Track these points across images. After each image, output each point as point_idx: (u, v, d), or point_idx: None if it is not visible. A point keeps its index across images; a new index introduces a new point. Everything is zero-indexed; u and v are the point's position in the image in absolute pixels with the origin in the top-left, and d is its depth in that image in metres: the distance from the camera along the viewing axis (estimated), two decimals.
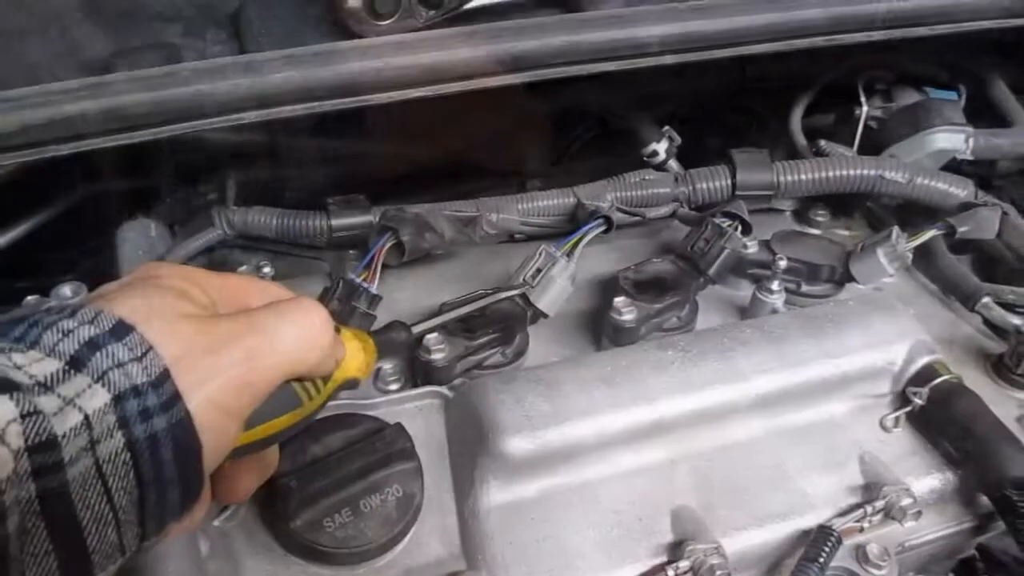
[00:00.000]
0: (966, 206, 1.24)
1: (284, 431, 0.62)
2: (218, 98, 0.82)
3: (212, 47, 0.97)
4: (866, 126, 1.41)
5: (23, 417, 0.44)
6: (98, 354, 0.48)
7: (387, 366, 1.05)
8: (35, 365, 0.47)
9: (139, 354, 0.49)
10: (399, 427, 0.89)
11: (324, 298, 1.01)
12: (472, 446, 0.91)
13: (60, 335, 0.49)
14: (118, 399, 0.48)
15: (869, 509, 0.93)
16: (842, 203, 1.39)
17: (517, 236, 1.28)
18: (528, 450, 0.89)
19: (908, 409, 1.02)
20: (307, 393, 0.63)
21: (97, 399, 0.47)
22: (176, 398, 0.50)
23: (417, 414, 0.98)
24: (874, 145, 1.39)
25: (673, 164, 1.36)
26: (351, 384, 0.73)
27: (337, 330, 0.69)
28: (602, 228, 1.12)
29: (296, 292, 0.65)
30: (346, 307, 0.99)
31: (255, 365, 0.55)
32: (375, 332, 0.85)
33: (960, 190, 1.25)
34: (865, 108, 1.39)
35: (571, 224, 1.24)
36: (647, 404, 0.94)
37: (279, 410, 0.60)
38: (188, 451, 0.51)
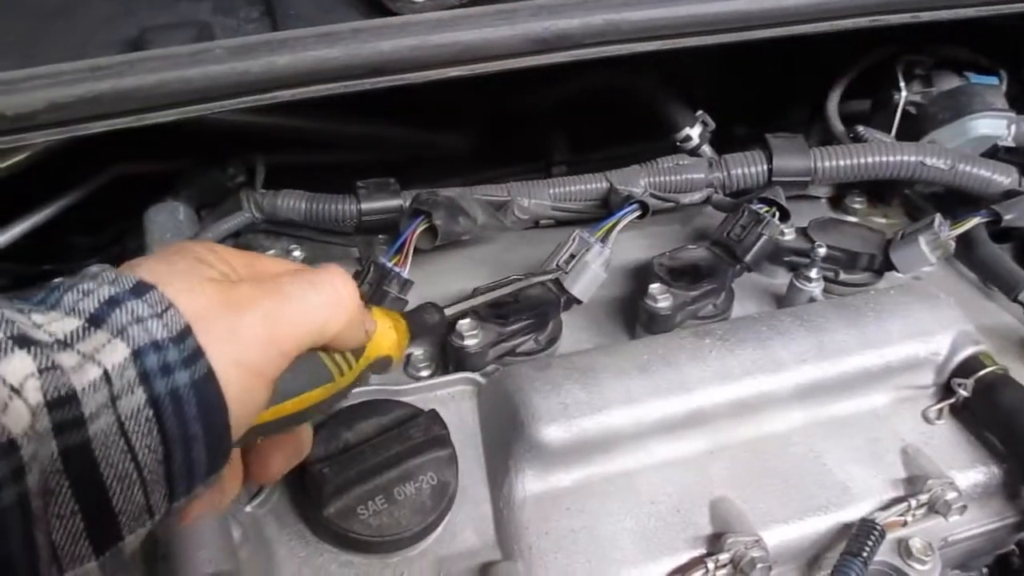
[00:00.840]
0: (1010, 194, 1.20)
1: (316, 406, 0.61)
2: (251, 77, 0.80)
3: (245, 25, 0.94)
4: (904, 112, 1.37)
5: (41, 372, 0.43)
6: (118, 311, 0.48)
7: (418, 352, 1.04)
8: (55, 324, 0.46)
9: (159, 311, 0.49)
10: (433, 414, 0.87)
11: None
12: (506, 434, 0.89)
13: (80, 295, 0.48)
14: (137, 354, 0.47)
15: (913, 503, 0.90)
16: (880, 190, 1.36)
17: (546, 222, 1.26)
18: (564, 439, 0.88)
19: (952, 401, 1.00)
20: (338, 368, 0.62)
21: (117, 354, 0.46)
22: (199, 354, 0.49)
23: (450, 401, 0.96)
24: (913, 131, 1.36)
25: (707, 149, 1.33)
26: (383, 364, 0.72)
27: (368, 308, 0.68)
28: (637, 213, 1.09)
29: None
30: (377, 291, 0.98)
31: (279, 324, 0.54)
32: (407, 313, 0.83)
33: (1004, 177, 1.22)
34: (904, 93, 1.36)
35: (603, 210, 1.21)
36: (684, 393, 0.92)
37: (310, 383, 0.59)
38: (213, 408, 0.49)
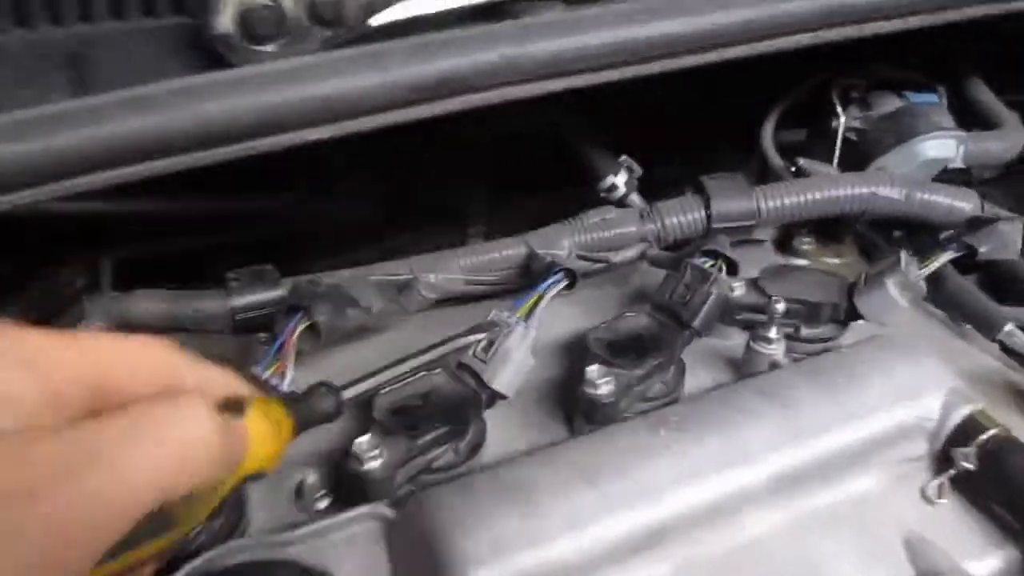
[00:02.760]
0: (974, 221, 1.07)
1: (153, 555, 0.51)
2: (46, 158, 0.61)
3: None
4: (844, 139, 1.25)
5: None
6: None
7: (312, 479, 0.84)
8: None
9: None
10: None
11: None
12: None
13: None
14: None
15: None
16: (828, 228, 1.23)
17: (463, 296, 1.08)
18: None
19: (951, 473, 0.84)
20: (186, 507, 0.51)
21: None
22: None
23: (351, 547, 0.76)
24: (855, 160, 1.23)
25: (635, 198, 1.18)
26: (253, 479, 0.58)
27: (238, 406, 0.55)
28: (563, 284, 0.92)
29: None
30: None
31: (92, 511, 0.41)
32: (292, 401, 0.65)
33: (965, 203, 1.09)
34: (843, 119, 1.23)
35: (525, 278, 1.04)
36: (643, 505, 0.75)
37: (143, 535, 0.48)
38: None
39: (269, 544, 0.74)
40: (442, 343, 0.83)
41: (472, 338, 0.85)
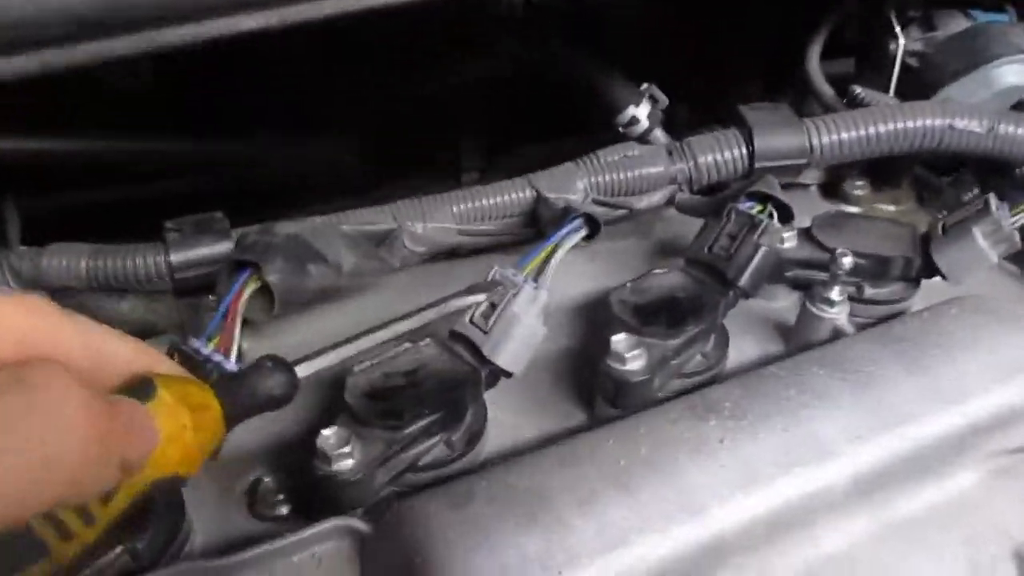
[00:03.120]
0: None
1: None
2: None
3: None
4: (903, 65, 1.06)
5: None
6: None
7: (267, 481, 0.67)
8: None
9: None
10: None
11: None
12: None
13: None
14: None
15: None
16: (883, 170, 1.05)
17: (458, 249, 0.90)
18: None
19: None
20: (61, 532, 0.42)
21: None
22: None
23: (317, 569, 0.59)
24: (915, 90, 1.05)
25: (660, 134, 0.99)
26: (167, 487, 0.46)
27: (142, 389, 0.44)
28: (583, 234, 0.74)
29: None
30: None
31: None
32: (226, 384, 0.49)
33: None
34: (902, 41, 1.04)
35: (532, 227, 0.87)
36: (693, 517, 0.58)
37: (5, 568, 0.41)
38: None
39: (210, 571, 0.57)
40: (430, 307, 0.66)
41: (468, 300, 0.67)
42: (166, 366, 0.49)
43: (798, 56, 1.13)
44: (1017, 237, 0.80)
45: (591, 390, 0.73)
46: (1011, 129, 0.91)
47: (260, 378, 0.53)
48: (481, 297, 0.68)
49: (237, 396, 0.51)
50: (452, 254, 0.90)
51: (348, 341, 0.61)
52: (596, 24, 1.22)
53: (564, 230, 0.74)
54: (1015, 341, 0.71)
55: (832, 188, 1.05)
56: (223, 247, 0.76)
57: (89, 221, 0.85)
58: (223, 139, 1.07)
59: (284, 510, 0.66)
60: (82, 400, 0.37)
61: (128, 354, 0.46)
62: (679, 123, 1.17)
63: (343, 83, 1.19)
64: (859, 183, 1.03)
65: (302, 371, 0.56)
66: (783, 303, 0.87)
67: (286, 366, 0.54)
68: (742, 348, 0.81)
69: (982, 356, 0.69)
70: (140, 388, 0.44)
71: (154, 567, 0.57)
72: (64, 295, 0.80)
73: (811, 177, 1.04)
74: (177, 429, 0.45)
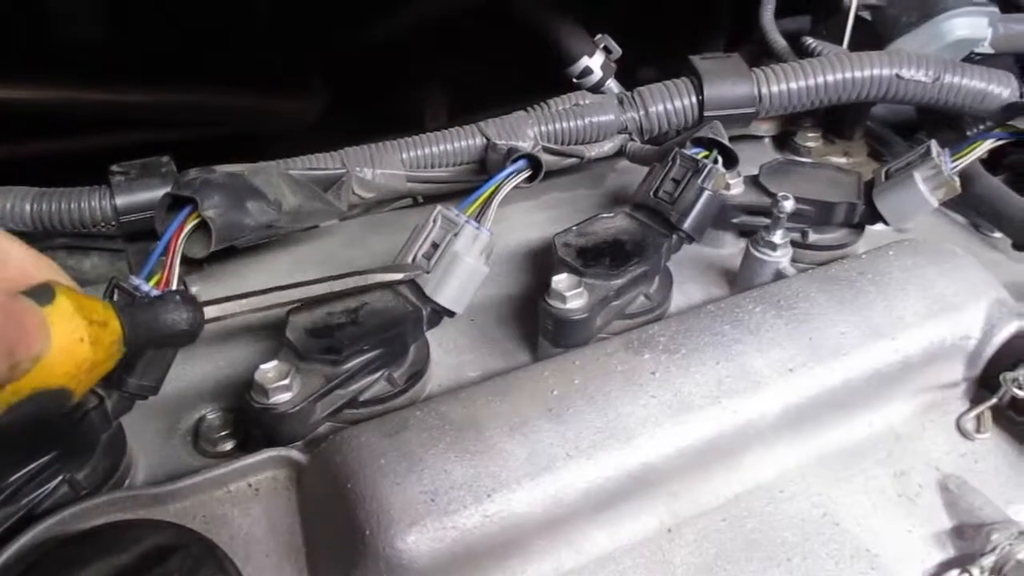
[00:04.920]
0: (1013, 107, 0.91)
1: None
2: None
3: None
4: (857, 18, 1.06)
5: None
6: None
7: (212, 416, 0.68)
8: None
9: None
10: (201, 543, 0.51)
11: None
12: (344, 545, 0.55)
13: None
14: None
15: (975, 572, 0.59)
16: (836, 122, 1.06)
17: (410, 196, 0.91)
18: (435, 549, 0.53)
19: (994, 402, 0.69)
20: None
21: None
22: None
23: (253, 498, 0.60)
24: (868, 43, 1.05)
25: (613, 84, 1.00)
26: (52, 400, 0.44)
27: (48, 293, 0.43)
28: (525, 174, 0.75)
29: None
30: None
31: None
32: (130, 310, 0.49)
33: (1002, 88, 0.92)
34: None
35: (483, 175, 0.87)
36: (622, 444, 0.59)
37: None
38: None
39: (145, 499, 0.58)
40: (351, 275, 0.65)
41: (388, 277, 0.67)
42: (65, 280, 0.47)
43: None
44: (957, 181, 0.81)
45: (533, 328, 0.74)
46: (956, 79, 0.92)
47: (164, 309, 0.52)
48: (398, 276, 0.68)
49: (139, 321, 0.50)
50: (407, 203, 0.91)
51: (264, 292, 0.61)
52: None
53: (507, 171, 0.74)
54: (947, 280, 0.72)
55: (785, 140, 1.06)
56: (167, 190, 0.76)
57: (40, 170, 0.85)
58: (179, 91, 1.06)
59: (228, 446, 0.67)
60: None
61: (26, 258, 0.45)
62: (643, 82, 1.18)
63: (304, 31, 1.18)
64: (811, 135, 1.04)
65: (211, 312, 0.56)
66: (730, 250, 0.88)
67: (193, 303, 0.54)
68: (688, 292, 0.83)
69: (914, 294, 0.71)
70: (38, 292, 0.43)
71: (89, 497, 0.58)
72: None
73: (764, 129, 1.05)
74: (72, 341, 0.44)
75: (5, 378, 0.39)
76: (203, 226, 0.65)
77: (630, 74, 1.07)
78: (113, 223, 0.77)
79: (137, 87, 1.05)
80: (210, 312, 0.54)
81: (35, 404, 0.42)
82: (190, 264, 0.73)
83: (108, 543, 0.51)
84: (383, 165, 0.84)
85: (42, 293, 0.43)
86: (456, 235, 0.68)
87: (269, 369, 0.61)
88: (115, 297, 0.63)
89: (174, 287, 0.63)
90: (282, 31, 1.14)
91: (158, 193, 0.77)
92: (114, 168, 0.78)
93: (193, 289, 0.78)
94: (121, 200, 0.76)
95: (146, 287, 0.62)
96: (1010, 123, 0.83)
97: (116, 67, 1.04)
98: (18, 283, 0.43)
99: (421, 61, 1.29)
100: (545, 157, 0.83)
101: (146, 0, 0.60)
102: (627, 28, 1.10)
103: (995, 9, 1.02)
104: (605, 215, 0.80)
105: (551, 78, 1.07)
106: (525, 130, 0.88)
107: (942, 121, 0.99)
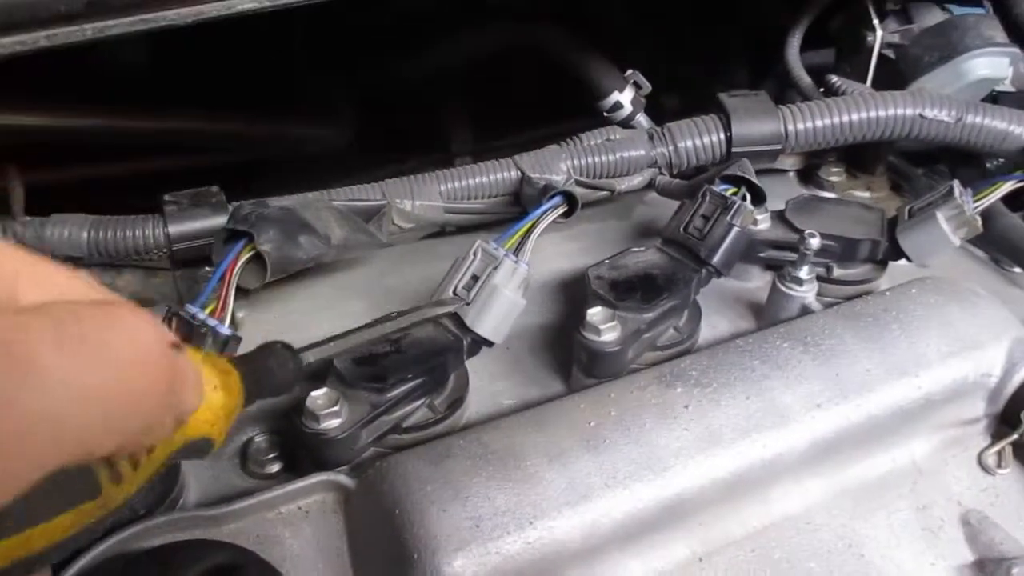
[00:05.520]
0: None
1: (66, 540, 0.39)
2: None
3: None
4: (880, 56, 1.09)
5: None
6: None
7: (260, 439, 0.71)
8: None
9: None
10: (261, 565, 0.54)
11: None
12: (391, 568, 0.57)
13: None
14: None
15: None
16: (859, 157, 1.08)
17: (445, 227, 0.94)
18: (480, 574, 0.56)
19: (1014, 438, 0.72)
20: (114, 472, 0.40)
21: None
22: None
23: (302, 521, 0.63)
24: (891, 81, 1.08)
25: (642, 119, 1.03)
26: (196, 450, 0.45)
27: (180, 346, 0.40)
28: (561, 210, 0.78)
29: None
30: None
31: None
32: (243, 360, 0.51)
33: (1023, 128, 0.94)
34: (879, 32, 1.08)
35: (516, 207, 0.90)
36: (655, 476, 0.62)
37: (61, 502, 0.38)
38: None
39: (202, 520, 0.61)
40: (411, 311, 0.67)
41: (439, 311, 0.69)
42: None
43: (782, 46, 1.16)
44: (979, 221, 0.83)
45: (567, 357, 0.77)
46: (979, 119, 0.94)
47: (272, 358, 0.52)
48: (446, 309, 0.69)
49: (251, 371, 0.50)
50: (440, 232, 0.94)
51: (346, 335, 0.62)
52: (587, 9, 1.25)
53: (544, 207, 0.77)
54: (969, 319, 0.74)
55: (809, 174, 1.08)
56: (219, 220, 0.80)
57: (88, 195, 0.88)
58: (219, 119, 1.10)
59: (275, 468, 0.69)
60: (159, 332, 0.35)
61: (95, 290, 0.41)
62: (669, 111, 1.21)
63: (337, 65, 1.22)
64: (835, 170, 1.07)
65: (307, 358, 0.54)
66: (756, 283, 0.90)
67: (292, 351, 0.53)
68: (716, 325, 0.85)
69: (937, 332, 0.73)
70: (175, 344, 0.42)
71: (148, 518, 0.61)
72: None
73: (789, 163, 1.08)
74: (208, 389, 0.44)
75: (174, 430, 0.39)
76: (257, 258, 0.68)
77: (654, 103, 1.10)
78: (165, 250, 0.80)
79: (177, 115, 1.09)
80: (307, 357, 0.55)
81: (184, 452, 0.43)
82: (240, 291, 0.76)
83: (171, 562, 0.54)
84: (422, 196, 0.87)
85: (176, 346, 0.44)
86: (496, 268, 0.71)
87: (319, 396, 0.64)
88: (174, 325, 0.66)
89: (228, 315, 0.67)
90: (315, 63, 1.17)
91: (209, 222, 0.81)
92: (167, 198, 0.81)
93: (239, 315, 0.81)
94: (174, 229, 0.79)
95: (202, 315, 0.66)
96: None
97: (158, 96, 1.07)
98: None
99: (448, 88, 1.33)
100: (578, 190, 0.86)
101: (186, 35, 0.63)
102: (650, 58, 1.14)
103: (1016, 50, 1.04)
104: (636, 249, 0.82)
105: (575, 105, 1.11)
106: (558, 164, 0.91)
107: (960, 154, 1.01)
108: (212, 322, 0.65)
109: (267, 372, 0.53)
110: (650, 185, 0.96)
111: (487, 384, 0.77)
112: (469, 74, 1.27)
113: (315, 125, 1.29)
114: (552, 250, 0.92)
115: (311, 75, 1.18)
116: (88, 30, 0.50)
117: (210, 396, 0.45)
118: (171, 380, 0.37)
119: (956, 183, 0.84)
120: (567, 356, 0.77)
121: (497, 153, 0.97)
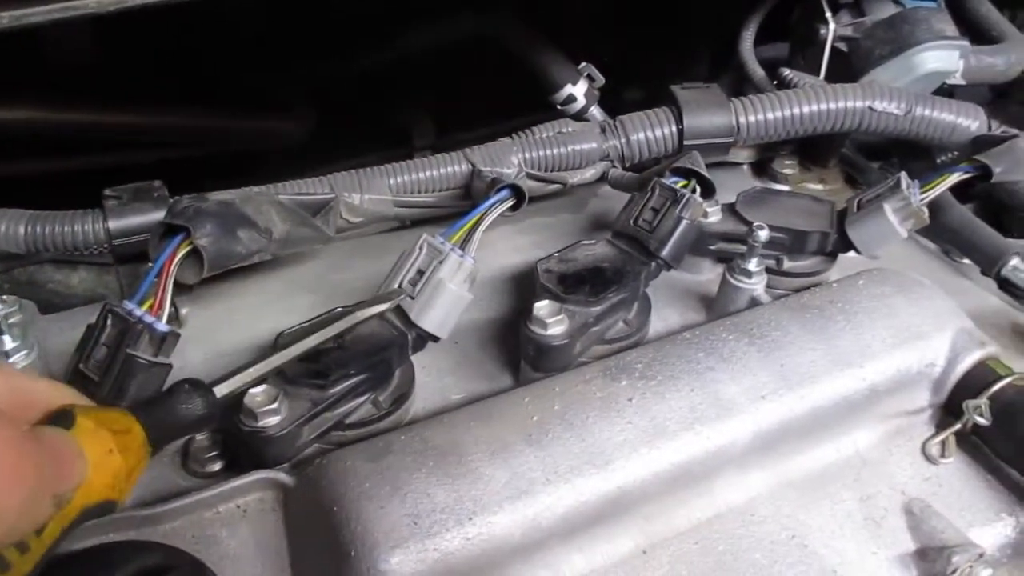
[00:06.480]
0: (979, 141, 0.94)
1: None
2: None
3: None
4: (832, 50, 1.10)
5: None
6: None
7: (200, 438, 0.69)
8: None
9: None
10: (193, 566, 0.53)
11: (84, 347, 0.64)
12: (329, 566, 0.57)
13: None
14: None
15: None
16: (812, 150, 1.09)
17: (394, 222, 0.93)
18: (418, 571, 0.55)
19: (958, 428, 0.72)
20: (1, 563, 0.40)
21: None
22: None
23: (241, 519, 0.62)
24: (844, 74, 1.09)
25: (596, 112, 1.03)
26: (99, 514, 0.46)
27: (68, 417, 0.44)
28: (508, 203, 0.77)
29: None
30: (119, 358, 0.62)
31: None
32: (147, 407, 0.50)
33: (971, 120, 0.96)
34: (832, 26, 1.08)
35: (467, 201, 0.89)
36: (598, 469, 0.61)
37: None
38: None
39: (137, 519, 0.59)
40: (344, 314, 0.65)
41: (377, 309, 0.68)
42: (83, 401, 0.48)
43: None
44: (925, 213, 0.84)
45: (515, 353, 0.76)
46: (927, 112, 0.95)
47: (178, 401, 0.53)
48: (386, 306, 0.69)
49: (158, 419, 0.51)
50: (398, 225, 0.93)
51: (260, 361, 0.60)
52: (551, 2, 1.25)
53: (491, 200, 0.76)
54: (914, 309, 0.75)
55: (763, 167, 1.08)
56: (161, 215, 0.78)
57: (32, 192, 0.86)
58: (168, 113, 1.08)
59: (216, 466, 0.68)
60: (10, 440, 0.37)
61: (47, 391, 0.46)
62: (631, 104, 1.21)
63: (293, 57, 1.20)
64: (788, 163, 1.07)
65: (221, 391, 0.56)
66: (708, 276, 0.90)
67: (203, 388, 0.54)
68: (667, 318, 0.85)
69: (882, 323, 0.73)
70: (59, 418, 0.44)
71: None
72: (14, 265, 0.82)
73: (743, 156, 1.08)
74: (102, 454, 0.45)
75: (55, 513, 0.41)
76: (195, 253, 0.67)
77: (615, 96, 1.09)
78: (105, 246, 0.79)
79: (126, 109, 1.07)
80: (221, 391, 0.55)
81: (83, 519, 0.44)
82: (180, 287, 0.75)
83: (100, 565, 0.53)
84: (371, 190, 0.86)
85: (63, 418, 0.44)
86: (441, 263, 0.71)
87: (258, 393, 0.63)
88: (109, 322, 0.65)
89: (166, 311, 0.66)
90: (270, 55, 1.16)
91: (150, 217, 0.79)
92: (107, 192, 0.80)
93: (183, 311, 0.80)
94: (114, 224, 0.78)
95: (139, 311, 0.65)
96: (976, 157, 0.85)
97: (105, 89, 1.05)
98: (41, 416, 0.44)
99: (408, 81, 1.31)
100: (528, 183, 0.85)
101: (136, 24, 0.62)
102: (613, 52, 1.13)
103: (966, 43, 1.05)
104: (586, 242, 0.82)
105: (536, 97, 1.10)
106: (509, 157, 0.90)
107: (912, 148, 1.02)
108: (149, 319, 0.64)
109: (174, 415, 0.53)
110: (603, 178, 0.95)
111: (435, 380, 0.76)
112: (432, 67, 1.25)
113: (273, 119, 1.27)
114: (504, 244, 0.92)
115: (267, 69, 1.16)
116: (4, 18, 0.48)
117: (105, 461, 0.45)
118: (38, 469, 0.38)
119: (903, 175, 0.85)
120: (517, 351, 0.76)
121: (460, 147, 0.96)
